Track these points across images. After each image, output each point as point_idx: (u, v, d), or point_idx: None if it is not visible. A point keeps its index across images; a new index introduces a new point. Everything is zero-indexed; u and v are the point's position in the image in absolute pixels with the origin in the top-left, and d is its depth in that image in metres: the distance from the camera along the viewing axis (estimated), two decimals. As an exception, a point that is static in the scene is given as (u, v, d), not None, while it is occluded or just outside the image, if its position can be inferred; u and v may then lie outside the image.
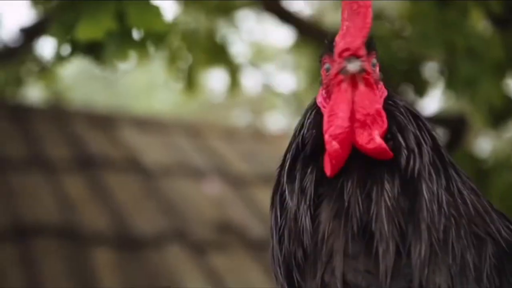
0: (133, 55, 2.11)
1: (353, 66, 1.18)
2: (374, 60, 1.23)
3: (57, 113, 5.22)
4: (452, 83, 3.51)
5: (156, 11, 2.10)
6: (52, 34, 2.13)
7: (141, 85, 9.88)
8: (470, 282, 1.10)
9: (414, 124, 1.21)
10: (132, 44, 2.09)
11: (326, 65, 1.24)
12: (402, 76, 3.87)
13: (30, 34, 4.66)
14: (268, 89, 8.05)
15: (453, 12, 3.42)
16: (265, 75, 7.69)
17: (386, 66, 3.79)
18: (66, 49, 2.15)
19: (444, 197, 1.15)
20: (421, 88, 3.87)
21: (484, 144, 6.71)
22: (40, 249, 3.86)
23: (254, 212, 4.55)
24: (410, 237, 1.12)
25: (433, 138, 1.22)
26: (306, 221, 1.17)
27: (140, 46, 2.10)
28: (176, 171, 4.85)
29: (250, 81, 7.35)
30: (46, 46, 5.03)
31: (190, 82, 4.30)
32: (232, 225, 4.44)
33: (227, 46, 4.38)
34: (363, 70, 1.18)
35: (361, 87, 1.19)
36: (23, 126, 4.88)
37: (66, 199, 4.28)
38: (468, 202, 1.18)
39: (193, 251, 4.15)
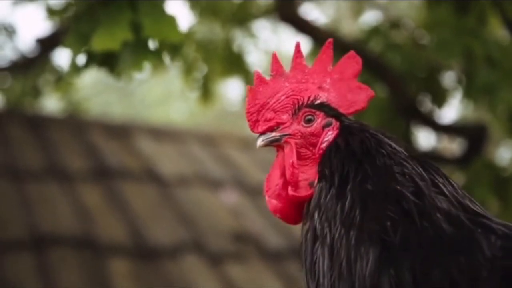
0: (148, 65, 2.10)
1: (258, 142, 1.37)
2: (310, 117, 1.35)
3: (74, 123, 5.24)
4: (471, 91, 3.48)
5: (171, 21, 2.10)
6: (68, 45, 2.13)
7: (157, 95, 9.91)
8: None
9: (345, 166, 1.29)
10: (148, 54, 2.09)
11: None
12: (421, 84, 3.85)
13: (47, 44, 4.68)
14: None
15: (471, 20, 3.39)
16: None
17: (404, 74, 3.78)
18: (82, 60, 2.15)
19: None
20: (439, 97, 3.84)
21: (504, 153, 6.64)
22: (57, 259, 3.86)
23: (271, 222, 4.52)
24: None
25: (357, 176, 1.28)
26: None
27: (156, 56, 2.10)
28: (193, 181, 4.84)
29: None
30: (62, 57, 5.06)
31: (206, 92, 4.30)
32: (249, 235, 4.42)
33: (243, 55, 4.38)
34: (275, 141, 1.35)
35: (286, 149, 1.36)
36: (40, 136, 4.90)
37: (83, 208, 4.28)
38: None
39: (210, 261, 4.14)
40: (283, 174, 1.36)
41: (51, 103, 6.55)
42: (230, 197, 4.77)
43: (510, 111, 3.36)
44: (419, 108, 3.95)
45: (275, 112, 1.37)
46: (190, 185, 4.79)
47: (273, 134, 1.36)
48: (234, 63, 4.23)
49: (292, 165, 1.34)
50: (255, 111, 1.38)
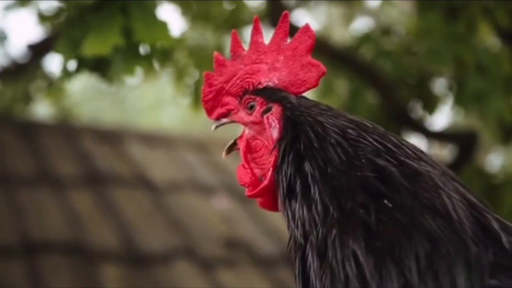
0: (139, 70, 2.11)
1: (212, 128, 1.37)
2: (252, 103, 1.30)
3: (65, 129, 5.23)
4: (461, 98, 3.49)
5: (163, 26, 2.11)
6: (59, 50, 2.13)
7: (149, 101, 9.90)
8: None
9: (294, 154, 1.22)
10: (139, 59, 2.09)
11: None
12: (411, 91, 3.86)
13: (38, 50, 4.68)
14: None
15: (461, 27, 3.41)
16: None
17: (395, 81, 3.80)
18: (73, 65, 2.15)
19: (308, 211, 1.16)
20: (430, 104, 3.86)
21: (494, 160, 6.67)
22: (48, 265, 3.85)
23: (262, 228, 4.53)
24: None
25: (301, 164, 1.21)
26: None
27: (147, 61, 2.11)
28: (184, 187, 4.84)
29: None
30: (54, 63, 5.05)
31: (198, 98, 4.29)
32: (240, 241, 4.41)
33: (235, 61, 4.37)
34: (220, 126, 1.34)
35: (240, 144, 1.34)
36: (32, 142, 4.89)
37: (74, 215, 4.27)
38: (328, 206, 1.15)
39: (201, 267, 4.13)
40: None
41: (42, 109, 6.54)
42: (222, 203, 4.77)
43: (500, 118, 3.38)
44: (410, 115, 3.96)
45: (232, 97, 1.33)
46: (181, 191, 4.79)
47: (224, 120, 1.34)
48: (226, 69, 4.23)
49: (241, 167, 1.33)
50: (211, 98, 1.34)
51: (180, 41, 3.99)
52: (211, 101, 1.34)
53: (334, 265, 1.10)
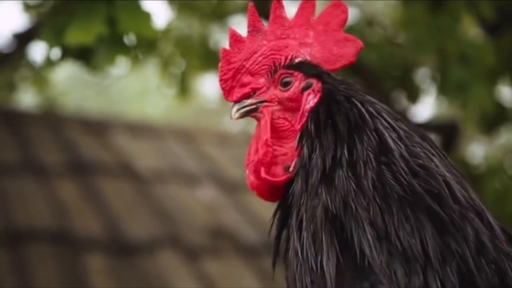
0: (123, 60, 2.11)
1: (232, 113, 1.19)
2: (287, 79, 1.18)
3: (50, 118, 5.21)
4: (444, 89, 3.52)
5: (146, 16, 2.11)
6: (43, 38, 2.13)
7: (134, 90, 9.87)
8: (421, 266, 1.05)
9: (323, 131, 1.14)
10: (123, 49, 2.09)
11: None
12: (395, 82, 3.88)
13: (23, 39, 4.65)
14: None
15: (445, 18, 3.43)
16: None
17: (379, 72, 3.82)
18: (57, 54, 2.15)
19: (364, 191, 1.09)
20: (414, 94, 3.88)
21: (476, 150, 6.72)
22: (33, 254, 3.85)
23: (247, 218, 4.55)
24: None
25: (338, 138, 1.13)
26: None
27: (131, 51, 2.11)
28: (169, 177, 4.84)
29: (244, 86, 7.35)
30: (38, 51, 5.03)
31: (183, 88, 4.30)
32: (225, 231, 4.43)
33: (220, 52, 4.38)
34: (253, 110, 1.18)
35: (262, 120, 1.20)
36: (16, 131, 4.87)
37: (59, 204, 4.26)
38: (400, 190, 1.10)
39: (186, 256, 4.15)
40: (257, 150, 1.19)
41: (27, 99, 6.51)
42: (207, 193, 4.78)
43: (483, 109, 3.41)
44: (393, 106, 3.99)
45: (252, 76, 1.19)
46: (166, 180, 4.79)
47: (249, 101, 1.19)
48: (211, 59, 4.25)
49: (266, 143, 1.17)
50: (230, 77, 1.20)
51: (166, 31, 4.00)
52: (230, 81, 1.20)
53: (395, 238, 1.05)
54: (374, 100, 1.19)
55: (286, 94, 1.18)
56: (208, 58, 4.28)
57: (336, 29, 1.22)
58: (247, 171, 1.21)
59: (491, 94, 3.47)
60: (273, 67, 1.19)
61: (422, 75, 3.97)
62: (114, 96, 9.96)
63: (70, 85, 8.73)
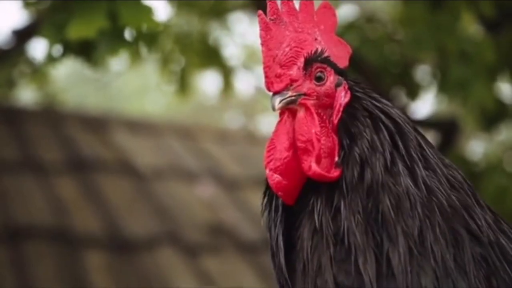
0: (124, 54, 2.11)
1: (276, 103, 1.13)
2: (320, 74, 1.16)
3: (50, 115, 5.21)
4: (444, 86, 3.52)
5: (148, 10, 2.11)
6: (44, 35, 2.13)
7: (134, 87, 9.87)
8: (456, 281, 1.07)
9: (372, 127, 1.14)
10: (124, 44, 2.09)
11: None
12: (395, 79, 3.88)
13: (23, 36, 4.65)
14: (260, 92, 8.05)
15: (445, 15, 3.43)
16: (258, 77, 7.69)
17: (379, 69, 3.82)
18: (58, 50, 2.15)
19: (412, 198, 1.10)
20: (413, 91, 3.88)
21: (476, 147, 6.72)
22: (32, 252, 3.85)
23: (247, 215, 4.55)
24: (386, 244, 1.08)
25: (392, 135, 1.14)
26: (279, 239, 1.18)
27: (132, 45, 2.11)
28: (169, 174, 4.84)
29: (243, 83, 7.36)
30: (38, 48, 5.03)
31: (183, 85, 4.30)
32: (224, 227, 4.43)
33: (220, 48, 4.39)
34: (291, 102, 1.14)
35: (300, 113, 1.15)
36: (16, 128, 4.87)
37: (58, 201, 4.26)
38: (442, 198, 1.12)
39: (186, 253, 4.15)
40: (292, 145, 1.14)
41: (27, 95, 6.51)
42: (206, 190, 4.79)
43: (482, 106, 3.41)
44: (393, 103, 3.99)
45: (281, 67, 1.15)
46: (166, 178, 4.79)
47: (289, 93, 1.14)
48: (211, 56, 4.24)
49: (316, 135, 1.13)
50: (272, 64, 1.15)
51: (166, 27, 4.00)
52: (272, 68, 1.15)
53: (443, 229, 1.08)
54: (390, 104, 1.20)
55: (323, 89, 1.16)
56: (208, 55, 4.28)
57: (332, 30, 1.21)
58: (270, 170, 1.15)
59: (491, 91, 3.47)
60: (302, 59, 1.15)
61: (422, 72, 3.97)
62: (114, 93, 9.95)
63: (70, 82, 8.73)
